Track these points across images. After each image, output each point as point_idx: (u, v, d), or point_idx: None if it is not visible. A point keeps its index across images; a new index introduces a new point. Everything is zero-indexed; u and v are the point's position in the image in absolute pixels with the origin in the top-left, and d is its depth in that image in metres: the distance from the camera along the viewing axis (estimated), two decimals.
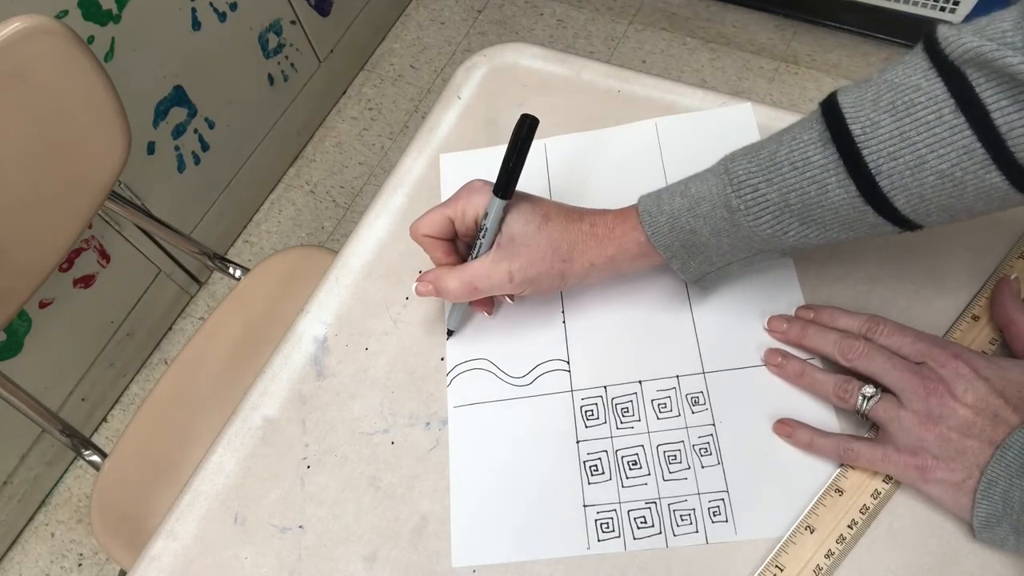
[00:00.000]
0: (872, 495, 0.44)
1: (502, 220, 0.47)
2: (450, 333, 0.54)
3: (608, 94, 0.62)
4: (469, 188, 0.49)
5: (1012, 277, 0.48)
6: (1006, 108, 0.35)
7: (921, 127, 0.37)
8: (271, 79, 1.41)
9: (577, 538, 0.46)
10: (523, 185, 0.49)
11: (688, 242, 0.45)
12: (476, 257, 0.48)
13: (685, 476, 0.47)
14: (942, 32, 0.37)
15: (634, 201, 0.48)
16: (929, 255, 0.51)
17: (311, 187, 1.54)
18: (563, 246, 0.47)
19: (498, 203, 0.46)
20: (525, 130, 0.45)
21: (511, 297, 0.53)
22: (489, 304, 0.54)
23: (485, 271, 0.47)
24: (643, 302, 0.53)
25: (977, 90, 0.35)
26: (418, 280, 0.50)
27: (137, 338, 1.36)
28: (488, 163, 0.61)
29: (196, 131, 1.29)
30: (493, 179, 0.47)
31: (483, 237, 0.48)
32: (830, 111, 0.40)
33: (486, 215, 0.47)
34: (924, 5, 1.38)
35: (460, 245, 0.51)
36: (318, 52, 1.51)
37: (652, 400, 0.50)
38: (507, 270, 0.47)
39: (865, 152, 0.38)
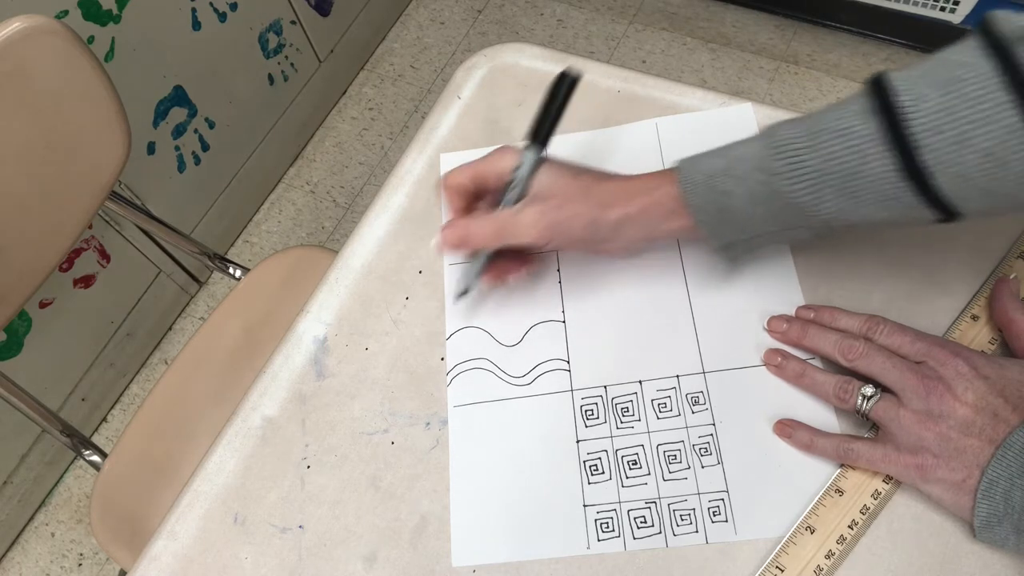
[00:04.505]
0: (872, 495, 0.44)
1: (533, 175, 0.46)
2: (463, 294, 0.52)
3: (608, 94, 0.62)
4: (501, 149, 0.49)
5: (1011, 277, 0.48)
6: None
7: (967, 102, 0.36)
8: (271, 79, 1.41)
9: (577, 538, 0.46)
10: None
11: (721, 205, 0.45)
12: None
13: (685, 476, 0.47)
14: (998, 13, 0.37)
15: None
16: (929, 255, 0.51)
17: (311, 187, 1.54)
18: (595, 192, 0.46)
19: (533, 154, 0.46)
20: (567, 86, 0.44)
21: (542, 248, 0.50)
22: (514, 266, 0.52)
23: (514, 215, 0.46)
24: (643, 302, 0.53)
25: None
26: (444, 229, 0.48)
27: (137, 338, 1.36)
28: None
29: (196, 131, 1.29)
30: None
31: (512, 190, 0.47)
32: (877, 84, 0.40)
33: (516, 169, 0.46)
34: (924, 5, 1.38)
35: (484, 207, 0.50)
36: (318, 52, 1.51)
37: (652, 400, 0.50)
38: (538, 210, 0.46)
39: (910, 123, 0.38)
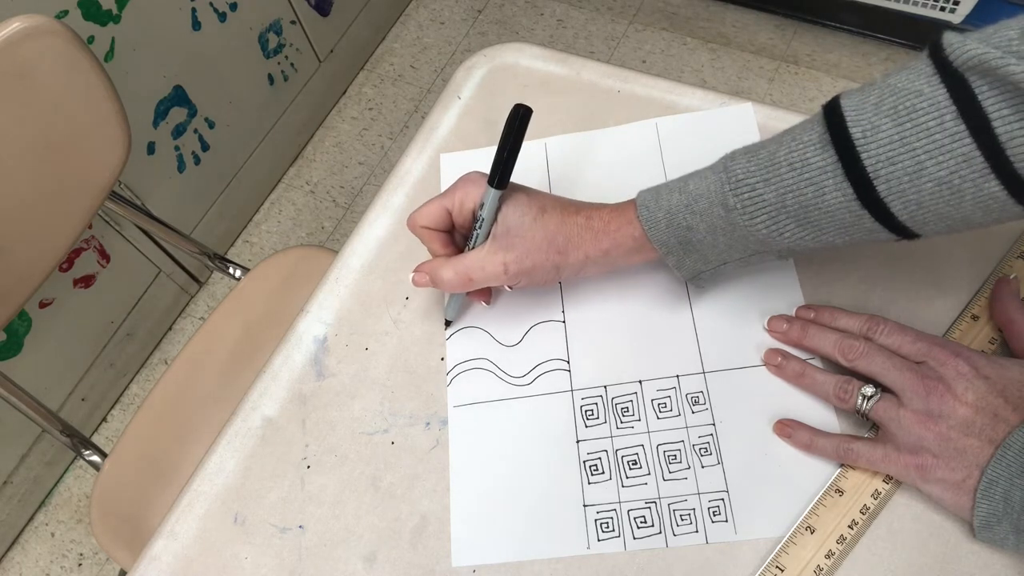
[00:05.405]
0: (872, 495, 0.44)
1: (498, 210, 0.47)
2: (448, 323, 0.54)
3: (608, 94, 0.62)
4: (466, 179, 0.49)
5: (1011, 277, 0.48)
6: (1008, 117, 0.34)
7: (921, 133, 0.37)
8: (271, 79, 1.41)
9: (577, 538, 0.46)
10: (524, 183, 0.49)
11: (684, 239, 0.45)
12: (472, 248, 0.48)
13: (685, 476, 0.47)
14: (948, 38, 0.37)
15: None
16: (929, 255, 0.51)
17: (311, 187, 1.54)
18: (558, 239, 0.47)
19: (493, 193, 0.47)
20: (519, 120, 0.45)
21: (510, 286, 0.53)
22: (487, 294, 0.54)
23: (480, 262, 0.47)
24: (643, 302, 0.53)
25: (979, 98, 0.35)
26: (415, 271, 0.50)
27: (137, 338, 1.36)
28: (488, 162, 0.61)
29: (196, 131, 1.29)
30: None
31: (479, 228, 0.48)
32: (832, 113, 0.40)
33: (482, 205, 0.47)
34: (924, 5, 1.38)
35: (458, 236, 0.51)
36: (318, 52, 1.51)
37: (652, 400, 0.50)
38: (502, 261, 0.47)
39: (864, 156, 0.38)
